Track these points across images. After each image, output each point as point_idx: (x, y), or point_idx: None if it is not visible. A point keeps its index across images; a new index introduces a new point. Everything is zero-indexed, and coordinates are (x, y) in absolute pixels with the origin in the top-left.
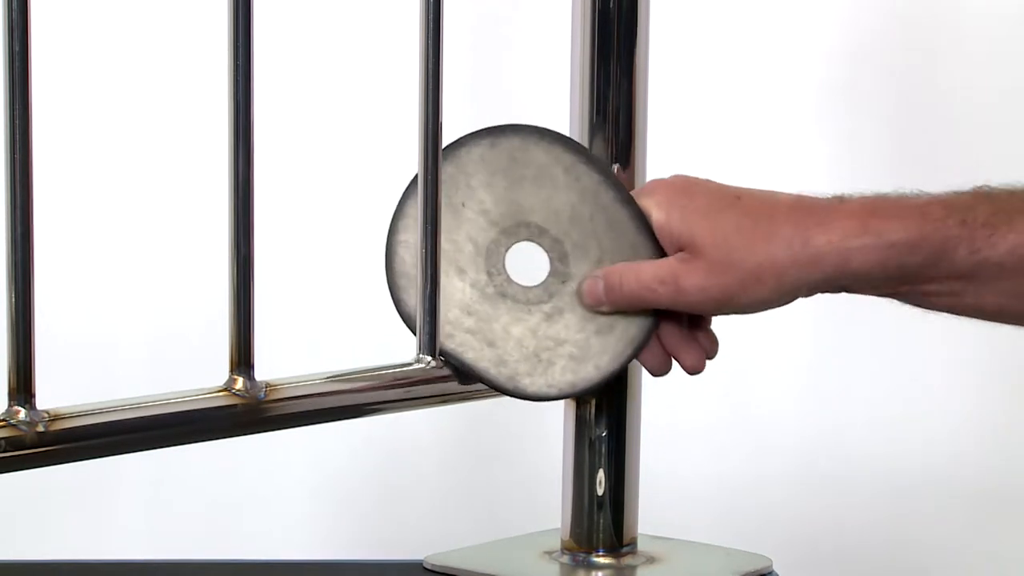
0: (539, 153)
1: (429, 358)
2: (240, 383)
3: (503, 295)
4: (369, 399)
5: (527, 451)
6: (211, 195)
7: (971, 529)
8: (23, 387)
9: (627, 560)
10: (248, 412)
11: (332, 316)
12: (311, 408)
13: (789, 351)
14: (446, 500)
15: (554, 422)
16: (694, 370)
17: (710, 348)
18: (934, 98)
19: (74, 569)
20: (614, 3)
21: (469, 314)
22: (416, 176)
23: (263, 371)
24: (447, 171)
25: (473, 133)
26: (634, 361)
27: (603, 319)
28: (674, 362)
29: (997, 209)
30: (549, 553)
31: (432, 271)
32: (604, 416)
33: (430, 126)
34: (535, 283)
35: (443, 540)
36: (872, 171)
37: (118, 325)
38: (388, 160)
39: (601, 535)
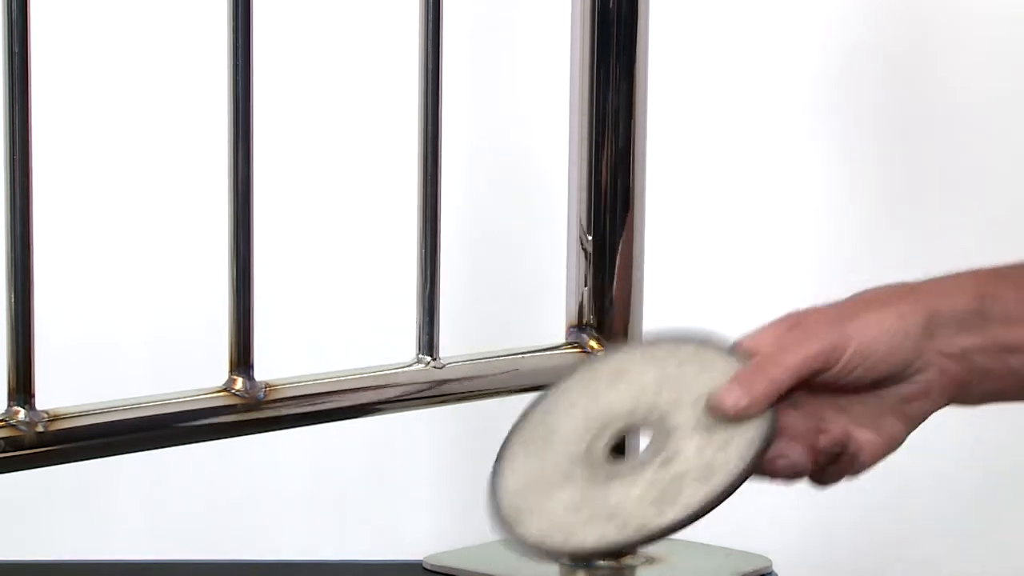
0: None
1: (428, 358)
2: (240, 383)
3: (609, 477)
4: (369, 399)
5: None
6: (211, 195)
7: (972, 529)
8: (23, 387)
9: (627, 560)
10: (248, 412)
11: (332, 316)
12: (311, 408)
13: None
14: (446, 500)
15: None
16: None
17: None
18: (935, 98)
19: (74, 569)
20: (614, 4)
21: (579, 510)
22: (524, 412)
23: (263, 371)
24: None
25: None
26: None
27: (720, 435)
28: None
29: None
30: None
31: (432, 271)
32: None
33: (430, 126)
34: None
35: (443, 540)
36: (872, 171)
37: (118, 325)
38: (388, 160)
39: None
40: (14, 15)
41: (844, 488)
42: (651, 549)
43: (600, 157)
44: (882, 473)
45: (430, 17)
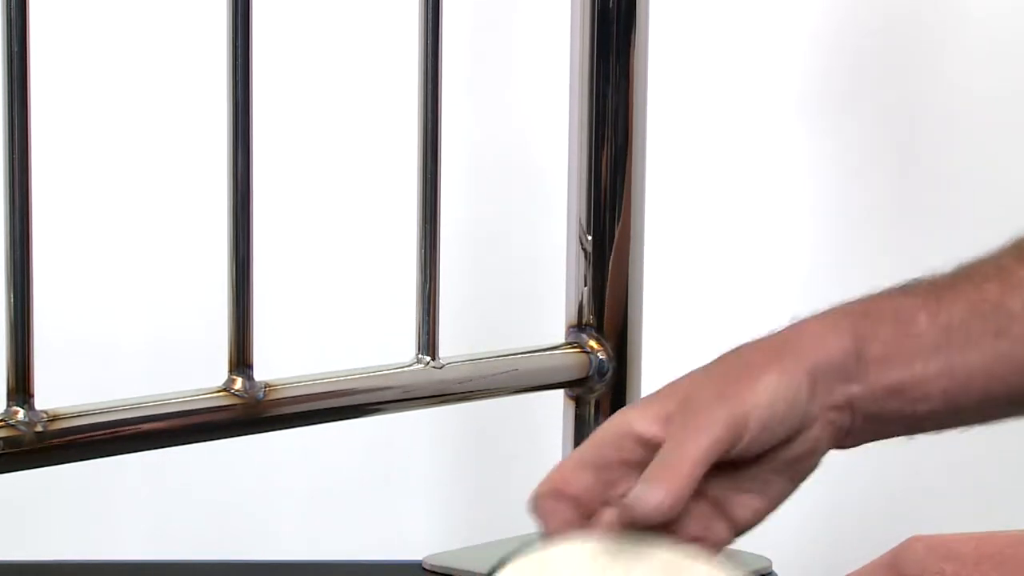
0: None
1: (428, 358)
2: (239, 383)
3: None
4: (369, 399)
5: (527, 451)
6: (210, 195)
7: (975, 527)
8: (22, 387)
9: None
10: (247, 412)
11: (332, 316)
12: (310, 408)
13: None
14: (446, 500)
15: (554, 422)
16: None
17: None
18: (934, 98)
19: (74, 569)
20: (613, 3)
21: None
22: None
23: (262, 371)
24: None
25: None
26: (636, 358)
27: None
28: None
29: (935, 284)
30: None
31: (432, 271)
32: (604, 416)
33: (430, 126)
34: None
35: (443, 540)
36: (872, 170)
37: (118, 325)
38: (388, 160)
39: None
40: (14, 15)
41: (844, 488)
42: None
43: (600, 157)
44: (883, 473)
45: (430, 17)
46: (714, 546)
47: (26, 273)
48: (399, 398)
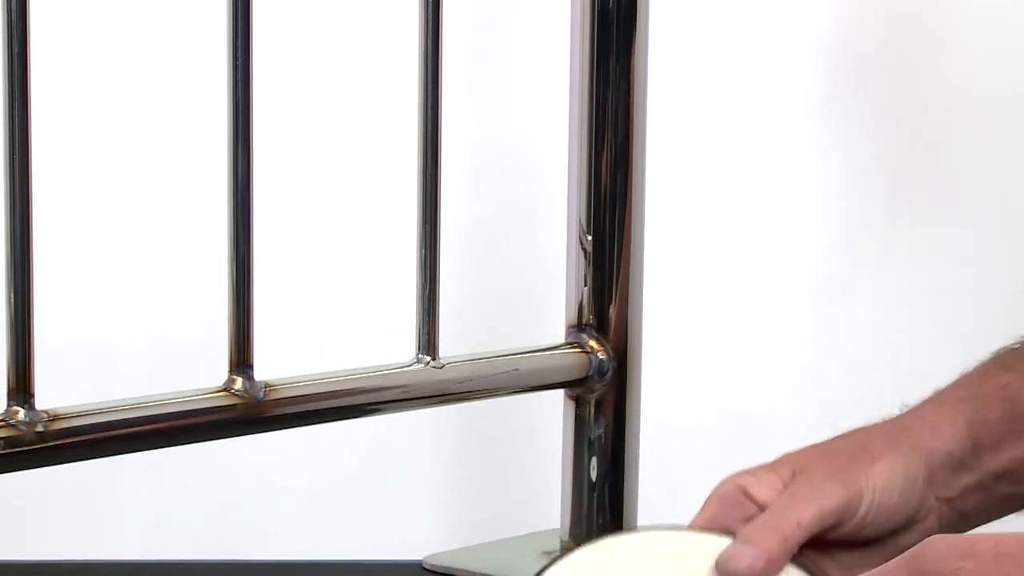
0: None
1: (428, 358)
2: (239, 383)
3: None
4: (369, 399)
5: (527, 451)
6: (210, 195)
7: (973, 530)
8: (22, 387)
9: None
10: (247, 412)
11: (332, 316)
12: (310, 408)
13: (788, 351)
14: (446, 500)
15: (554, 422)
16: None
17: None
18: (935, 98)
19: (74, 569)
20: (614, 3)
21: None
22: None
23: (262, 371)
24: None
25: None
26: (636, 358)
27: None
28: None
29: None
30: (548, 553)
31: (432, 271)
32: (604, 416)
33: (430, 126)
34: None
35: (443, 540)
36: (872, 169)
37: (118, 325)
38: (388, 160)
39: (600, 535)
40: (14, 15)
41: None
42: None
43: (600, 157)
44: None
45: (430, 17)
46: None
47: (26, 273)
48: (399, 398)
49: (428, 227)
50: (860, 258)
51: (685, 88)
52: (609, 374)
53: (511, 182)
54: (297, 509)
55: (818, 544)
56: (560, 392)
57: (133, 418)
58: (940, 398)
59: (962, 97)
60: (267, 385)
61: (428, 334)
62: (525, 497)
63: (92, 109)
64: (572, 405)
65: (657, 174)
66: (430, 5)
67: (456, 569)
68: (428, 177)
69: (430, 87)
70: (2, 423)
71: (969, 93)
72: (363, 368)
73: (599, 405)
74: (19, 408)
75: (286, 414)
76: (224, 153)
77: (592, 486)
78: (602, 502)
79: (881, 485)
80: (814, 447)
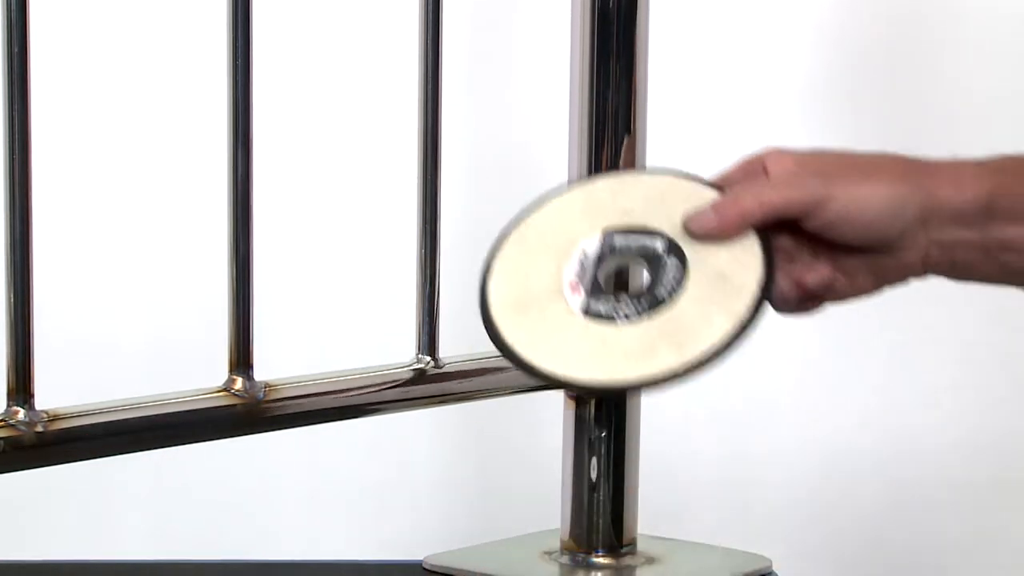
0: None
1: (428, 358)
2: (239, 383)
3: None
4: (369, 399)
5: (527, 451)
6: (211, 195)
7: (973, 530)
8: (22, 387)
9: (626, 560)
10: (247, 412)
11: (332, 316)
12: (310, 408)
13: (789, 351)
14: (446, 500)
15: (554, 422)
16: (815, 290)
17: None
18: (935, 98)
19: (74, 569)
20: (614, 3)
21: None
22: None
23: (262, 371)
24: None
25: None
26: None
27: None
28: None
29: None
30: (548, 553)
31: (432, 271)
32: (604, 416)
33: (430, 126)
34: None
35: (443, 540)
36: None
37: (118, 325)
38: (388, 160)
39: (600, 535)
40: (14, 15)
41: (844, 488)
42: (650, 549)
43: (599, 157)
44: (883, 473)
45: (430, 17)
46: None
47: (26, 273)
48: (399, 398)
49: (428, 227)
50: None
51: (685, 88)
52: None
53: (511, 182)
54: (297, 509)
55: (798, 233)
56: (560, 392)
57: (133, 418)
58: (979, 161)
59: (961, 97)
60: (267, 385)
61: (428, 334)
62: (525, 497)
63: (92, 109)
64: (572, 405)
65: None
66: (430, 5)
67: (456, 569)
68: (428, 177)
69: (430, 87)
70: (2, 423)
71: (968, 92)
72: (363, 368)
73: (599, 405)
74: (19, 408)
75: (286, 414)
76: (224, 153)
77: (592, 486)
78: (602, 502)
79: (860, 199)
80: (837, 151)
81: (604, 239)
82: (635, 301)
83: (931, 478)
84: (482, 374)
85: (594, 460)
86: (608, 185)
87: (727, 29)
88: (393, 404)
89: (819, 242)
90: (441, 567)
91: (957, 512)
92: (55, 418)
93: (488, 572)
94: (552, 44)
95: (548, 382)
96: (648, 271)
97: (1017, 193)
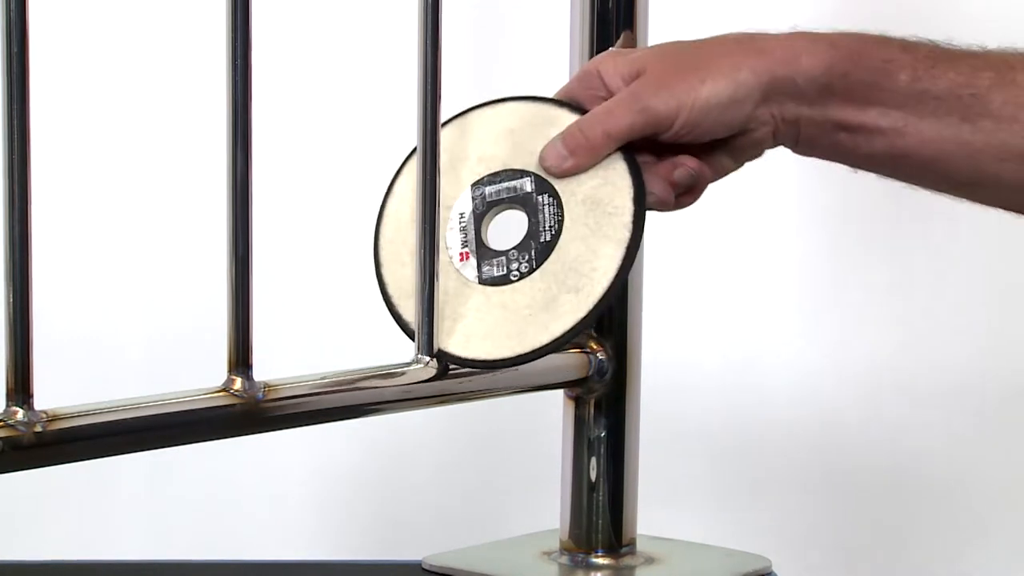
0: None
1: (428, 358)
2: (238, 383)
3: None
4: (368, 399)
5: (526, 451)
6: (210, 195)
7: (972, 530)
8: (21, 387)
9: (626, 560)
10: (247, 412)
11: (332, 316)
12: (310, 408)
13: (789, 350)
14: (445, 500)
15: (554, 422)
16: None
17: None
18: None
19: (74, 569)
20: (613, 3)
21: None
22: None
23: (262, 371)
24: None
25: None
26: (636, 358)
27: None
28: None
29: (939, 50)
30: (548, 553)
31: (431, 271)
32: (603, 416)
33: (429, 125)
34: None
35: (442, 540)
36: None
37: (117, 325)
38: (388, 160)
39: (600, 535)
40: (14, 15)
41: (844, 488)
42: (650, 549)
43: None
44: (882, 473)
45: (429, 16)
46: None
47: (26, 273)
48: (399, 398)
49: (427, 227)
50: (857, 258)
51: None
52: (609, 374)
53: None
54: (297, 509)
55: (652, 142)
56: (560, 392)
57: (132, 418)
58: (823, 34)
59: None
60: (266, 385)
61: (428, 334)
62: (525, 497)
63: (92, 109)
64: (572, 405)
65: None
66: (430, 5)
67: (455, 569)
68: (428, 177)
69: (430, 87)
70: (1, 423)
71: None
72: (363, 368)
73: (599, 405)
74: (18, 408)
75: (286, 414)
76: (223, 153)
77: (592, 486)
78: (601, 502)
79: (701, 104)
80: (669, 47)
81: (474, 195)
82: (523, 253)
83: (931, 479)
84: (482, 374)
85: (593, 460)
86: (454, 133)
87: (726, 29)
88: (393, 404)
89: (681, 148)
90: (440, 567)
91: (959, 512)
92: (54, 418)
93: (487, 572)
94: (551, 43)
95: (473, 367)
96: (527, 215)
97: (856, 77)
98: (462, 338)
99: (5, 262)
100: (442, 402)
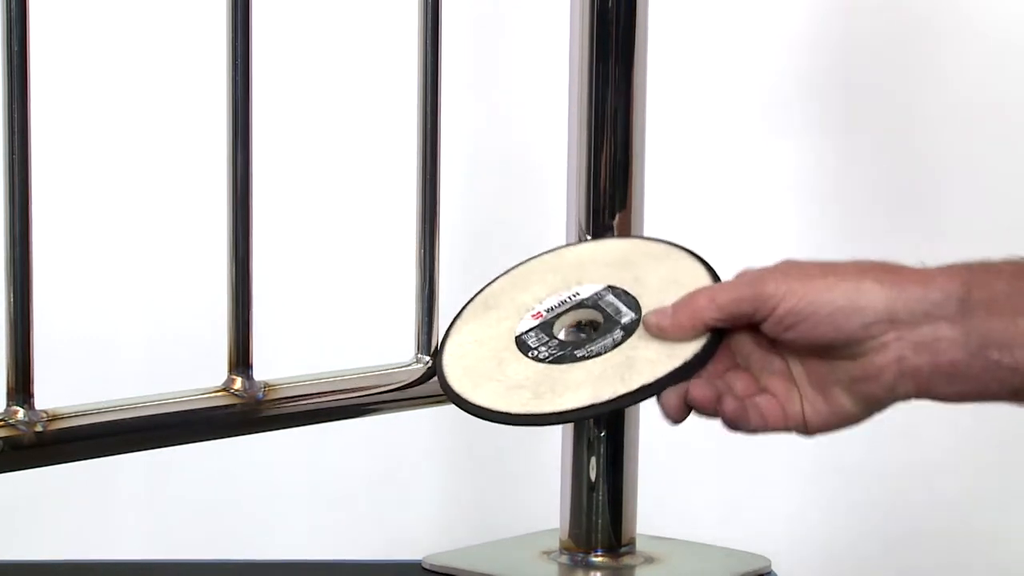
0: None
1: (428, 358)
2: (239, 383)
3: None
4: (368, 399)
5: (526, 451)
6: (210, 195)
7: (972, 529)
8: (22, 387)
9: (625, 560)
10: (247, 412)
11: (332, 316)
12: (310, 408)
13: None
14: (446, 500)
15: None
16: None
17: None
18: (934, 97)
19: (74, 569)
20: (613, 4)
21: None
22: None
23: (262, 371)
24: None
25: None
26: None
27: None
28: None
29: None
30: (548, 553)
31: (431, 271)
32: (603, 416)
33: (429, 126)
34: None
35: (443, 540)
36: (872, 172)
37: (117, 325)
38: (387, 160)
39: (599, 535)
40: (14, 15)
41: (844, 488)
42: (649, 549)
43: (599, 157)
44: (882, 474)
45: (429, 16)
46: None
47: (26, 273)
48: (399, 398)
49: (427, 227)
50: (856, 256)
51: (684, 88)
52: None
53: (511, 182)
54: (296, 509)
55: (760, 339)
56: None
57: (133, 418)
58: (949, 264)
59: (960, 96)
60: (267, 385)
61: (428, 334)
62: (525, 497)
63: (92, 109)
64: None
65: (656, 174)
66: (430, 5)
67: (456, 569)
68: (427, 177)
69: (430, 87)
70: (2, 423)
71: (968, 92)
72: (363, 368)
73: None
74: (19, 408)
75: (286, 414)
76: (224, 153)
77: (592, 486)
78: (601, 502)
79: (812, 294)
80: (825, 260)
81: (601, 290)
82: (553, 344)
83: (931, 479)
84: None
85: (593, 460)
86: (625, 246)
87: (726, 30)
88: (393, 404)
89: (779, 349)
90: (440, 567)
91: (957, 513)
92: (54, 418)
93: (487, 572)
94: (551, 44)
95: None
96: (600, 323)
97: (992, 286)
98: (476, 393)
99: (6, 262)
100: (442, 402)
